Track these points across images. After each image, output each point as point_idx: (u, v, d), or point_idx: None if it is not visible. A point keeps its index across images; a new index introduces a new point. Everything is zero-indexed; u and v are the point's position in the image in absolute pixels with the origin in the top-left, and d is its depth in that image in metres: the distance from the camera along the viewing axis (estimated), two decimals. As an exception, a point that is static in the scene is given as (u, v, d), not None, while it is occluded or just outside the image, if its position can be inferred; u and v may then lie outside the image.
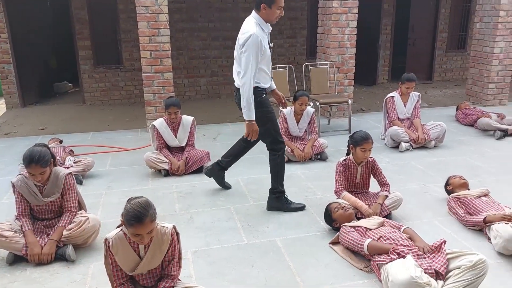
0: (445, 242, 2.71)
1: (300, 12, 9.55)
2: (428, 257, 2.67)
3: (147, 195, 2.43)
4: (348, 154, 3.68)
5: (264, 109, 3.59)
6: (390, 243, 2.81)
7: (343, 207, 3.33)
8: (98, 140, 6.04)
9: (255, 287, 2.76)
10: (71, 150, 4.98)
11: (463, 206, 3.54)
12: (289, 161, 4.98)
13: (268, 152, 3.80)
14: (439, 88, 9.98)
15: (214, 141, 5.92)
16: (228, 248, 3.22)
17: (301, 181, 4.49)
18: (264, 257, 3.10)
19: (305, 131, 5.28)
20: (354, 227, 3.12)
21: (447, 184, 3.90)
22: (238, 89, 3.54)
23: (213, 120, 7.14)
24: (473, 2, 9.36)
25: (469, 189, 3.74)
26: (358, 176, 3.67)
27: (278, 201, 3.82)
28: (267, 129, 3.65)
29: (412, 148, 5.39)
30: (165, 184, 4.47)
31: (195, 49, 9.15)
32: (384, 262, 2.69)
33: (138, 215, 2.17)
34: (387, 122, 5.71)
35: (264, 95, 3.61)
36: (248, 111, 3.44)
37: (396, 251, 2.71)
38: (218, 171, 4.19)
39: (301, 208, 3.83)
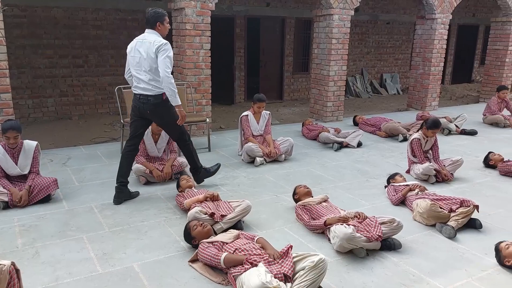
0: (291, 247, 2.98)
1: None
2: (278, 262, 2.90)
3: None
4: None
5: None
6: (245, 254, 2.98)
7: (201, 224, 3.41)
8: None
9: (111, 318, 2.63)
10: None
11: (308, 212, 3.94)
12: (148, 182, 4.91)
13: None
14: (288, 107, 10.95)
15: (63, 167, 5.48)
16: (80, 281, 3.01)
17: (160, 202, 4.44)
18: (120, 285, 2.98)
19: (164, 151, 5.26)
20: (211, 242, 3.21)
21: (294, 194, 4.29)
22: (146, 96, 4.20)
23: (62, 144, 6.60)
24: (312, 30, 10.57)
25: (312, 196, 4.18)
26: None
27: (205, 173, 4.80)
28: (177, 123, 4.37)
29: (266, 162, 5.80)
30: (4, 217, 3.98)
31: (40, 67, 8.41)
32: (239, 273, 2.84)
33: None
34: (243, 139, 6.04)
35: None
36: (175, 98, 4.14)
37: (250, 260, 2.88)
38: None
39: (218, 167, 4.93)
